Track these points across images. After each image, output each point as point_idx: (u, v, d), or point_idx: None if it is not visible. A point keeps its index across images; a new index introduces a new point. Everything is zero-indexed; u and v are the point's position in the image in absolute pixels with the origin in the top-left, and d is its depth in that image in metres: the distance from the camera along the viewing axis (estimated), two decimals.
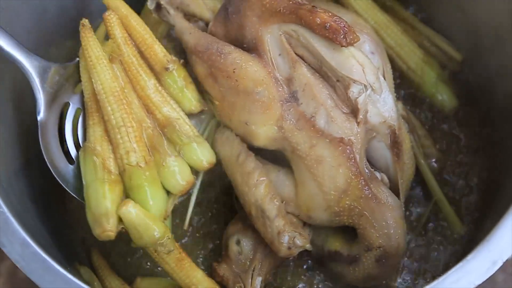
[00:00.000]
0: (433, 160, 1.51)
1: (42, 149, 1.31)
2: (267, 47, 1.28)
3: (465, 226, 1.47)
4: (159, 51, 1.37)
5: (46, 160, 1.31)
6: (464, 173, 1.53)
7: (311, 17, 1.21)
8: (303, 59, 1.27)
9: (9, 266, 1.65)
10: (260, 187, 1.29)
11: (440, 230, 1.47)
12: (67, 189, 1.31)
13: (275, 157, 1.37)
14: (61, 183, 1.32)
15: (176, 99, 1.36)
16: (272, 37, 1.28)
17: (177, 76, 1.37)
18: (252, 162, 1.31)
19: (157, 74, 1.37)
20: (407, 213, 1.48)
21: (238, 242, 1.37)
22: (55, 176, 1.31)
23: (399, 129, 1.30)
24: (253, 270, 1.35)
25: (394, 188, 1.31)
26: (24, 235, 1.09)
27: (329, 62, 1.22)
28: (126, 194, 1.27)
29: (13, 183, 1.28)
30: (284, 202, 1.30)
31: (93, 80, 1.29)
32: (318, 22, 1.20)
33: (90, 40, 1.31)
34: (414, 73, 1.57)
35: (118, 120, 1.26)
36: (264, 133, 1.27)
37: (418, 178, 1.47)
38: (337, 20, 1.20)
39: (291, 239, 1.27)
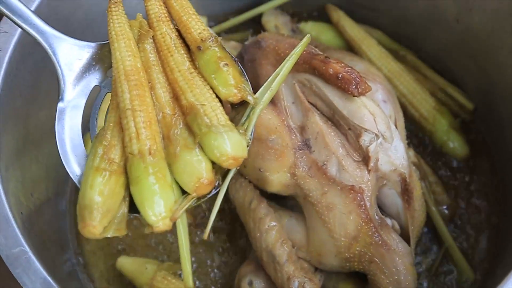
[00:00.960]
0: (444, 207, 1.51)
1: (57, 137, 1.18)
2: (281, 95, 1.31)
3: (475, 272, 1.47)
4: (195, 28, 1.17)
5: (59, 151, 1.18)
6: (474, 220, 1.53)
7: (324, 67, 1.24)
8: (316, 108, 1.29)
9: None
10: (271, 232, 1.31)
11: (450, 276, 1.47)
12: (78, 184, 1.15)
13: (287, 203, 1.39)
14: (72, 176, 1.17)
15: (211, 84, 1.14)
16: (286, 85, 1.31)
17: (211, 56, 1.14)
18: (264, 208, 1.33)
19: (193, 55, 1.17)
20: (418, 259, 1.48)
21: (250, 283, 1.38)
22: (67, 168, 1.18)
23: (410, 176, 1.31)
24: None
25: (405, 235, 1.32)
26: (45, 274, 1.12)
27: (341, 111, 1.24)
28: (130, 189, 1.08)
29: (34, 222, 1.31)
30: (295, 247, 1.31)
31: (112, 58, 1.16)
32: (331, 72, 1.23)
33: (114, 14, 1.19)
34: (426, 120, 1.58)
35: (126, 102, 1.10)
36: (277, 179, 1.29)
37: (429, 224, 1.48)
38: (349, 70, 1.23)
39: (301, 284, 1.27)
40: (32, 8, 1.29)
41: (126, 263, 1.48)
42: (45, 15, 1.31)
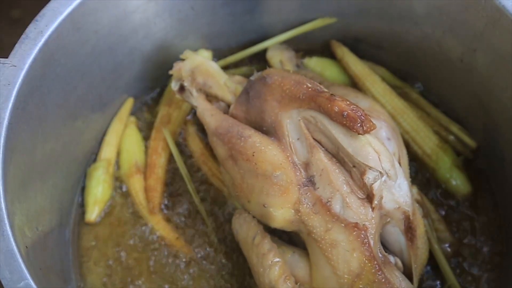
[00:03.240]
0: (447, 244, 1.51)
1: None
2: (286, 131, 1.31)
3: None
4: None
5: None
6: (477, 259, 1.53)
7: (329, 105, 1.25)
8: (320, 144, 1.30)
9: None
10: (274, 268, 1.30)
11: None
12: None
13: (291, 238, 1.39)
14: None
15: None
16: (291, 122, 1.31)
17: None
18: (267, 244, 1.33)
19: None
20: None
21: None
22: None
23: (413, 214, 1.32)
24: None
25: (407, 272, 1.32)
26: None
27: (346, 149, 1.25)
28: None
29: (38, 254, 1.31)
30: (298, 283, 1.31)
31: None
32: (336, 110, 1.24)
33: None
34: (429, 158, 1.59)
35: None
36: (281, 215, 1.29)
37: (432, 262, 1.48)
38: (354, 108, 1.23)
39: None
40: (41, 43, 1.31)
41: None
42: (53, 49, 1.34)
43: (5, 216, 1.18)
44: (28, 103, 1.31)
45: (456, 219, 1.57)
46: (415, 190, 1.46)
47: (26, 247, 1.23)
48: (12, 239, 1.16)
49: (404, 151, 1.42)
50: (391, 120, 1.44)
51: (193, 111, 1.70)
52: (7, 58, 1.29)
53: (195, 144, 1.67)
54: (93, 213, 1.59)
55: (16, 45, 1.31)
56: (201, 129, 1.65)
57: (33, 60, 1.30)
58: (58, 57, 1.37)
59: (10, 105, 1.26)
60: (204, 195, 1.61)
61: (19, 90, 1.28)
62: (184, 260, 1.55)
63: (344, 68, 1.71)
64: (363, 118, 1.23)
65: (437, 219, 1.52)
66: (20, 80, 1.28)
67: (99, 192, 1.60)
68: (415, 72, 1.69)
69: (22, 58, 1.29)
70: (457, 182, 1.58)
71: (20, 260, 1.14)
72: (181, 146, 1.68)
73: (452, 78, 1.59)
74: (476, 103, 1.56)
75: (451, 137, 1.63)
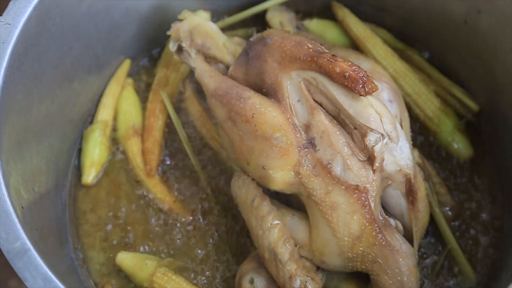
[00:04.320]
0: (448, 208, 1.51)
1: None
2: (286, 93, 1.30)
3: (478, 275, 1.47)
4: None
5: None
6: (478, 222, 1.52)
7: (330, 66, 1.23)
8: (321, 106, 1.28)
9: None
10: (273, 230, 1.30)
11: (453, 278, 1.47)
12: None
13: (290, 201, 1.38)
14: None
15: None
16: (291, 83, 1.30)
17: None
18: (266, 206, 1.32)
19: None
20: (421, 260, 1.47)
21: (251, 281, 1.37)
22: None
23: (414, 177, 1.31)
24: None
25: (408, 235, 1.31)
26: (47, 269, 1.11)
27: (347, 110, 1.24)
28: None
29: (34, 215, 1.30)
30: (297, 246, 1.31)
31: None
32: (338, 71, 1.22)
33: None
34: (431, 121, 1.58)
35: None
36: (281, 177, 1.28)
37: (433, 225, 1.47)
38: (356, 69, 1.22)
39: (302, 283, 1.27)
40: (36, 0, 1.29)
41: (126, 259, 1.48)
42: (48, 7, 1.32)
43: (0, 176, 1.17)
44: (23, 63, 1.29)
45: (457, 183, 1.56)
46: (416, 153, 1.45)
47: (22, 207, 1.22)
48: (7, 199, 1.16)
49: (406, 114, 1.40)
50: (393, 82, 1.43)
51: (191, 73, 1.68)
52: (1, 16, 1.27)
53: (193, 107, 1.65)
54: (89, 176, 1.58)
55: (11, 3, 1.29)
56: (200, 91, 1.64)
57: (28, 18, 1.28)
58: (53, 15, 1.35)
59: (4, 64, 1.24)
60: (202, 158, 1.60)
61: (14, 48, 1.26)
62: (181, 222, 1.54)
63: (345, 30, 1.68)
64: (365, 79, 1.21)
65: (438, 183, 1.52)
66: (14, 38, 1.26)
67: (96, 154, 1.59)
68: (417, 35, 1.67)
69: (16, 16, 1.27)
70: (459, 145, 1.57)
71: (16, 220, 1.14)
72: (179, 109, 1.67)
73: (456, 40, 1.58)
74: (480, 66, 1.54)
75: (454, 100, 1.62)
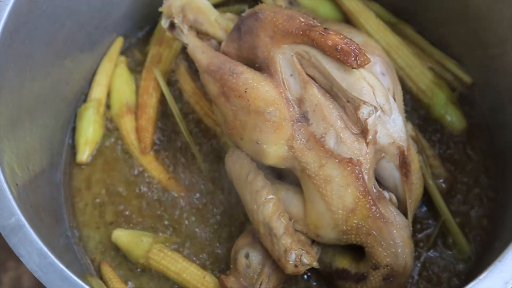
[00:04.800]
0: (441, 180, 1.51)
1: None
2: (279, 67, 1.29)
3: (472, 246, 1.48)
4: None
5: None
6: (472, 194, 1.53)
7: (322, 39, 1.23)
8: (314, 80, 1.28)
9: (12, 277, 1.66)
10: (268, 205, 1.30)
11: (447, 249, 1.48)
12: None
13: (284, 176, 1.39)
14: None
15: None
16: (284, 57, 1.29)
17: None
18: (261, 181, 1.33)
19: None
20: (415, 232, 1.48)
21: (247, 256, 1.38)
22: None
23: (408, 149, 1.31)
24: (261, 284, 1.35)
25: (402, 208, 1.32)
26: (42, 245, 1.11)
27: (340, 84, 1.23)
28: None
29: (28, 193, 1.30)
30: (292, 220, 1.31)
31: None
32: (330, 44, 1.22)
33: None
34: (424, 94, 1.58)
35: None
36: (274, 152, 1.28)
37: (426, 198, 1.48)
38: (348, 42, 1.21)
39: (298, 257, 1.28)
40: None
41: (122, 236, 1.48)
42: None
43: None
44: (14, 40, 1.29)
45: (451, 155, 1.57)
46: (409, 126, 1.45)
47: (17, 184, 1.22)
48: (1, 176, 1.16)
49: (399, 87, 1.40)
50: (385, 55, 1.43)
51: (184, 50, 1.67)
52: None
53: (186, 84, 1.65)
54: (84, 154, 1.58)
55: None
56: (193, 68, 1.63)
57: None
58: None
59: None
60: (196, 135, 1.60)
61: (5, 26, 1.26)
62: (176, 198, 1.55)
63: (337, 5, 1.67)
64: (357, 52, 1.21)
65: (432, 155, 1.52)
66: (5, 15, 1.26)
67: (90, 132, 1.59)
68: (410, 8, 1.66)
69: None
70: (452, 118, 1.57)
71: (10, 197, 1.14)
72: (173, 86, 1.66)
73: (448, 13, 1.57)
74: (473, 38, 1.54)
75: (447, 73, 1.62)
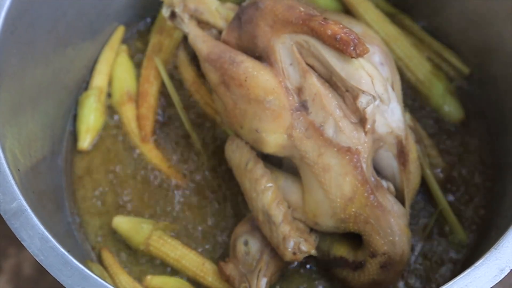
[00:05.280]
0: (439, 170, 1.52)
1: None
2: (278, 56, 1.30)
3: (469, 234, 1.49)
4: None
5: None
6: (469, 183, 1.54)
7: (322, 29, 1.23)
8: (313, 69, 1.29)
9: (13, 264, 1.67)
10: (267, 193, 1.31)
11: (444, 238, 1.49)
12: None
13: (283, 164, 1.40)
14: None
15: None
16: (283, 47, 1.30)
17: None
18: (260, 169, 1.33)
19: None
20: (413, 221, 1.49)
21: (246, 243, 1.39)
22: None
23: (406, 139, 1.32)
24: (259, 271, 1.36)
25: (400, 197, 1.33)
26: (43, 229, 1.11)
27: (339, 73, 1.24)
28: None
29: (30, 179, 1.31)
30: (291, 208, 1.32)
31: None
32: (329, 34, 1.22)
33: None
34: (422, 84, 1.58)
35: None
36: (274, 140, 1.29)
37: (424, 187, 1.49)
38: (347, 31, 1.22)
39: (296, 244, 1.29)
40: None
41: (122, 222, 1.49)
42: None
43: None
44: (17, 27, 1.29)
45: (448, 145, 1.58)
46: (408, 116, 1.46)
47: (19, 170, 1.23)
48: (3, 160, 1.16)
49: (397, 77, 1.41)
50: (384, 45, 1.43)
51: (185, 39, 1.68)
52: None
53: (187, 73, 1.65)
54: (85, 141, 1.59)
55: None
56: (194, 57, 1.64)
57: None
58: None
59: None
60: (196, 123, 1.61)
61: (8, 12, 1.26)
62: (176, 186, 1.56)
63: None
64: (356, 41, 1.22)
65: (430, 145, 1.53)
66: (8, 2, 1.26)
67: (91, 120, 1.60)
68: None
69: None
70: (450, 108, 1.58)
71: (13, 181, 1.14)
72: (173, 75, 1.67)
73: (446, 3, 1.58)
74: (470, 28, 1.55)
75: (445, 64, 1.62)
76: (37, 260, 1.09)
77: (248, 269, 1.38)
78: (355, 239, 1.34)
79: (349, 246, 1.37)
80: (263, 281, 1.35)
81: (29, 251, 1.10)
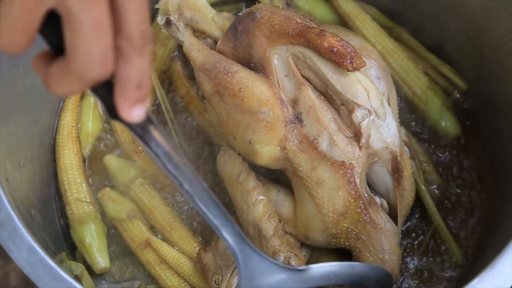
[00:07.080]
0: (434, 186, 1.51)
1: None
2: (274, 67, 1.29)
3: (464, 252, 1.47)
4: None
5: None
6: (464, 200, 1.53)
7: (319, 41, 1.22)
8: (309, 81, 1.28)
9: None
10: (258, 206, 1.30)
11: (439, 256, 1.47)
12: None
13: (276, 177, 1.38)
14: None
15: None
16: (279, 58, 1.29)
17: None
18: (252, 181, 1.32)
19: None
20: (407, 238, 1.48)
21: None
22: None
23: (401, 155, 1.31)
24: (235, 268, 1.34)
25: (393, 214, 1.32)
26: (31, 241, 1.09)
27: (335, 86, 1.23)
28: None
29: (19, 190, 1.29)
30: (282, 221, 1.31)
31: None
32: (326, 46, 1.21)
33: None
34: (419, 99, 1.57)
35: None
36: (267, 152, 1.28)
37: (419, 203, 1.47)
38: (344, 44, 1.21)
39: (286, 259, 1.27)
40: None
41: (112, 160, 1.54)
42: None
43: None
44: None
45: (444, 161, 1.56)
46: (403, 131, 1.45)
47: (7, 179, 1.21)
48: None
49: (394, 92, 1.40)
50: (381, 59, 1.42)
51: (179, 48, 1.67)
52: None
53: (180, 83, 1.64)
54: (85, 149, 1.58)
55: None
56: (187, 67, 1.63)
57: None
58: None
59: None
60: (188, 134, 1.59)
61: None
62: (173, 199, 1.54)
63: (333, 7, 1.67)
64: (353, 54, 1.21)
65: (425, 161, 1.51)
66: None
67: (89, 127, 1.59)
68: (406, 13, 1.66)
69: None
70: (447, 123, 1.56)
71: (1, 191, 1.13)
72: (166, 85, 1.66)
73: (445, 18, 1.57)
74: (468, 43, 1.54)
75: (442, 79, 1.61)
76: (24, 272, 1.07)
77: (225, 263, 1.36)
78: (344, 255, 1.34)
79: (338, 259, 1.36)
80: (236, 279, 1.33)
81: (17, 263, 1.08)
